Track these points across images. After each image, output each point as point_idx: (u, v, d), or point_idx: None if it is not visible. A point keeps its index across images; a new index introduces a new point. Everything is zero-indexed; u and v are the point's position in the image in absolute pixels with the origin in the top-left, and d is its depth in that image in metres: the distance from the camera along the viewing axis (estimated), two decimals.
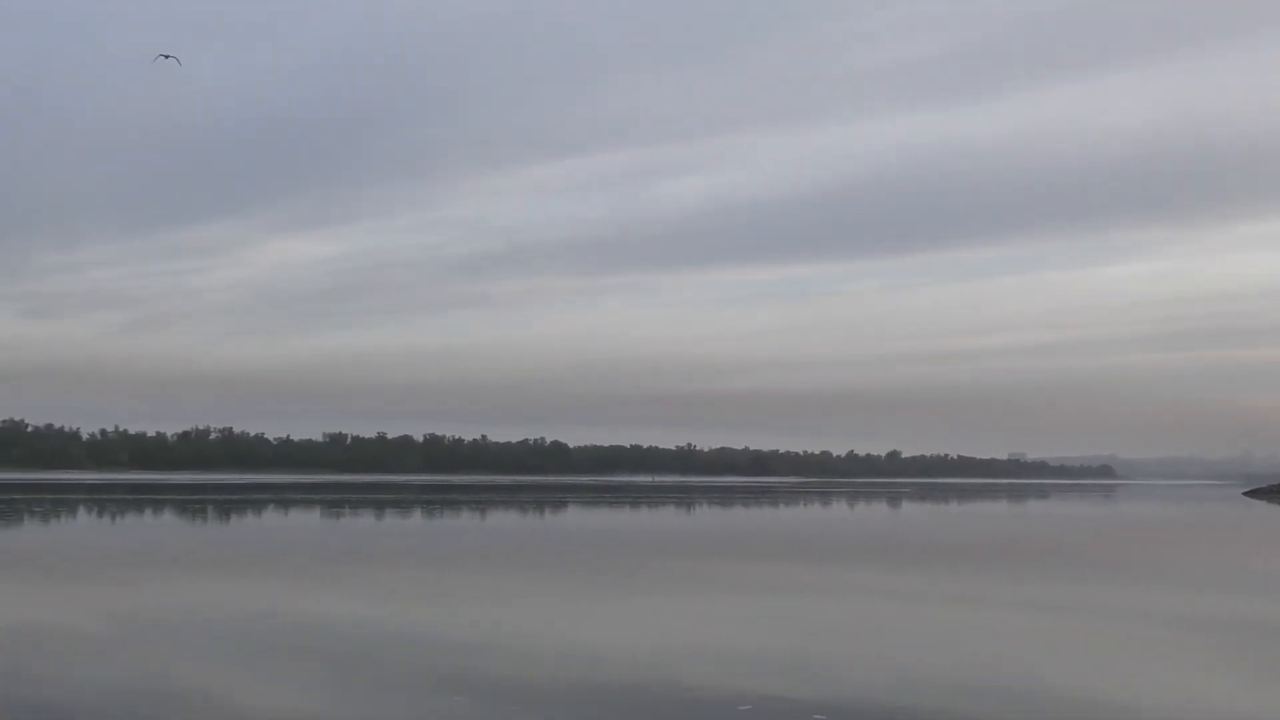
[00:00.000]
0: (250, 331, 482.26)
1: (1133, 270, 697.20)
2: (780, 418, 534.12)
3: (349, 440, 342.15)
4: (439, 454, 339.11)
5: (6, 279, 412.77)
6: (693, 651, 18.25)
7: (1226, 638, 20.82)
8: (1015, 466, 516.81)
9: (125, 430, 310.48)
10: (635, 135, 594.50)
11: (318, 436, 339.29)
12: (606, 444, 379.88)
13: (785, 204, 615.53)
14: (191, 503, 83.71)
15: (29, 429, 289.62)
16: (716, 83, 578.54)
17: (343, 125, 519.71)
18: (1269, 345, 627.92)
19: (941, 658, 17.87)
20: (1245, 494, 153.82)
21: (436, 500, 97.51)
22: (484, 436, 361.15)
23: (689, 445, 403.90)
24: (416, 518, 67.72)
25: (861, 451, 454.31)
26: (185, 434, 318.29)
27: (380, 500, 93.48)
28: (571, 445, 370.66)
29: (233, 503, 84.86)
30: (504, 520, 65.49)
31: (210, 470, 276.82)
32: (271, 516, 67.64)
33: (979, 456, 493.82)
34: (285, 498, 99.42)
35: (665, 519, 70.83)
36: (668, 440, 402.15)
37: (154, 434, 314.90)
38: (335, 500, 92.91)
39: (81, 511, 69.24)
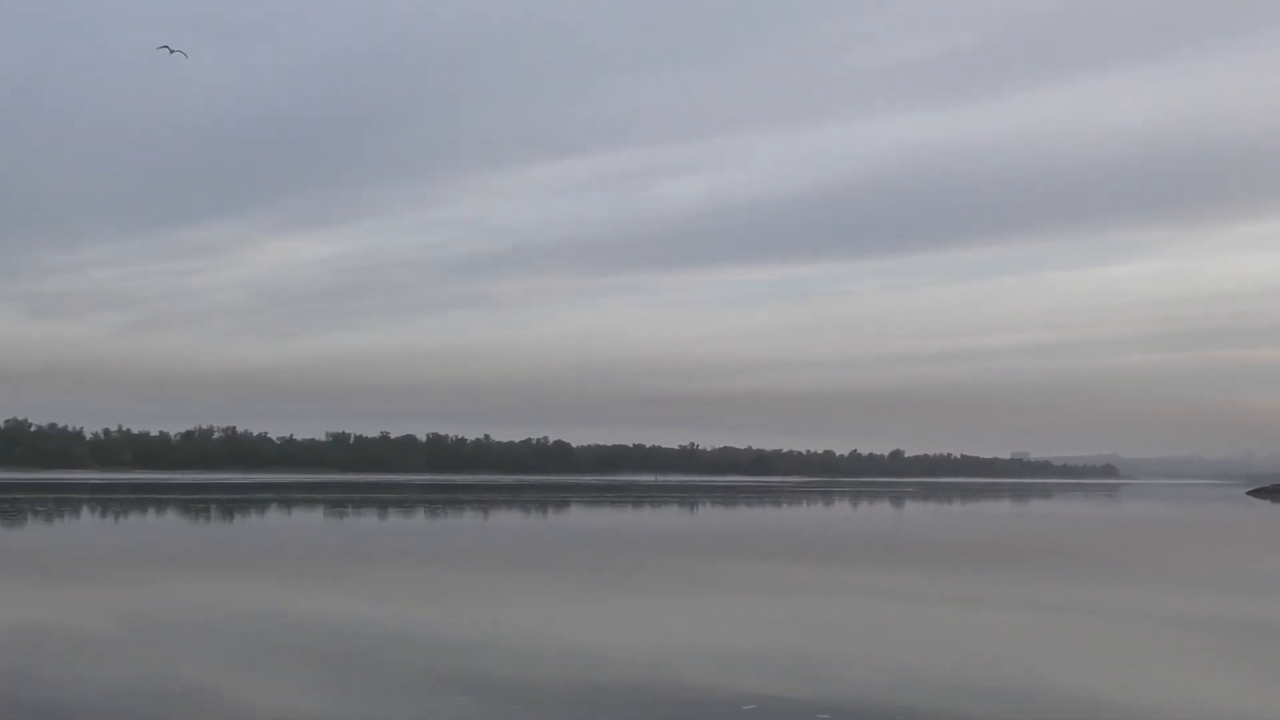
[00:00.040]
0: (251, 331, 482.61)
1: (1133, 270, 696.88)
2: (782, 417, 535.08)
3: (352, 440, 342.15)
4: (442, 454, 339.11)
5: (8, 279, 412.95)
6: (693, 651, 18.26)
7: (1227, 638, 20.83)
8: (1018, 466, 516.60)
9: (129, 430, 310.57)
10: (635, 135, 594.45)
11: (321, 436, 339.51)
12: (609, 443, 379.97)
13: (785, 204, 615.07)
14: (195, 502, 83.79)
15: (32, 429, 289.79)
16: (716, 83, 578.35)
17: (343, 125, 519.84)
18: (1269, 345, 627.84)
19: (942, 658, 17.89)
20: (1249, 494, 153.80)
21: (439, 500, 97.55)
22: (487, 436, 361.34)
23: (692, 445, 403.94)
24: (419, 517, 67.77)
25: (865, 451, 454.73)
26: (189, 434, 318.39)
27: (383, 500, 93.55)
28: (574, 445, 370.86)
29: (236, 502, 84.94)
30: (506, 520, 65.53)
31: (214, 470, 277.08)
32: (274, 516, 67.71)
33: (982, 456, 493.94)
34: (288, 497, 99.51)
35: (667, 518, 70.85)
36: (670, 440, 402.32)
37: (157, 434, 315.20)
38: (338, 500, 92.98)
39: (85, 511, 69.33)
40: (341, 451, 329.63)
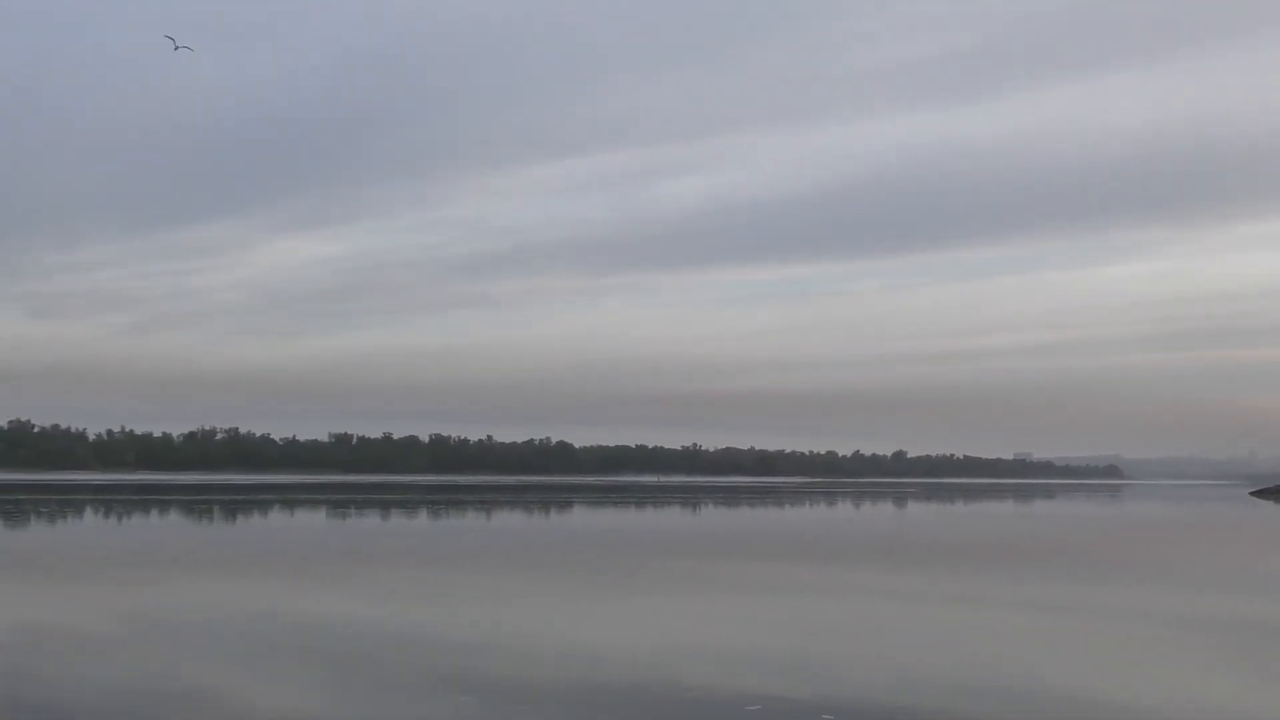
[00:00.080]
0: (252, 332, 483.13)
1: (1133, 270, 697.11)
2: (783, 418, 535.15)
3: (355, 441, 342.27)
4: (444, 454, 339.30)
5: (9, 279, 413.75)
6: (694, 651, 18.27)
7: (1228, 638, 20.81)
8: (1021, 466, 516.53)
9: (131, 431, 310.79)
10: (635, 135, 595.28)
11: (323, 437, 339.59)
12: (612, 444, 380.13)
13: (785, 204, 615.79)
14: (198, 503, 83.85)
15: (35, 429, 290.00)
16: (716, 83, 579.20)
17: (343, 125, 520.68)
18: (1269, 345, 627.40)
19: (943, 658, 17.89)
20: (1252, 494, 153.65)
21: (441, 500, 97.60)
22: (489, 437, 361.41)
23: (694, 445, 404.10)
24: (421, 518, 67.80)
25: (867, 451, 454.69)
26: (191, 434, 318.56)
27: (385, 500, 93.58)
28: (577, 445, 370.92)
29: (238, 503, 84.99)
30: (508, 520, 65.54)
31: (216, 470, 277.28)
32: (277, 517, 67.74)
33: (985, 457, 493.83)
34: (291, 498, 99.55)
35: (669, 519, 70.83)
36: (673, 440, 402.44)
37: (160, 434, 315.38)
38: (340, 500, 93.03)
39: (88, 512, 69.38)
40: (344, 452, 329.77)
